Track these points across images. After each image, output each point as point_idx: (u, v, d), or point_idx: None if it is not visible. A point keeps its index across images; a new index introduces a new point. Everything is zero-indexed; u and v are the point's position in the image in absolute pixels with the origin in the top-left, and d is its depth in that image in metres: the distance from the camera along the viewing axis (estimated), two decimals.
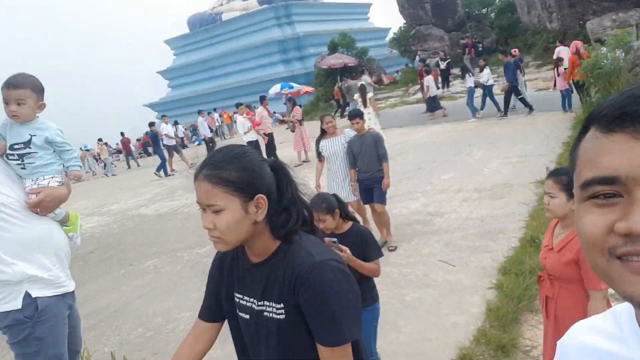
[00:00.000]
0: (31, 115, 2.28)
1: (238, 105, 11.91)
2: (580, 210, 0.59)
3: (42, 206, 2.25)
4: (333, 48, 27.52)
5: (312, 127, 15.67)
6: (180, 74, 48.09)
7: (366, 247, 2.77)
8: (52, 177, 2.34)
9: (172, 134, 16.01)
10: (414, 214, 6.53)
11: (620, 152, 0.54)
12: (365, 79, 17.25)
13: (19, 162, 2.27)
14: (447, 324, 3.66)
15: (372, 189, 5.34)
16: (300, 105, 16.41)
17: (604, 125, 0.56)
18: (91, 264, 6.86)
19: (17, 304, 2.15)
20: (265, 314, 1.34)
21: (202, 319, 1.55)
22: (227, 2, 47.71)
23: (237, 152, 1.31)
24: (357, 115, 5.32)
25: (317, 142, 5.67)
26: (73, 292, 2.43)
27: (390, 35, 38.12)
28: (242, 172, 1.26)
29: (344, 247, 2.54)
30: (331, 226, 2.77)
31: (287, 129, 13.17)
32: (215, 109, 28.35)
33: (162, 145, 15.34)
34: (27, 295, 2.16)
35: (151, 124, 16.23)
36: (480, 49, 24.39)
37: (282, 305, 1.30)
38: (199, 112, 18.04)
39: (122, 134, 23.80)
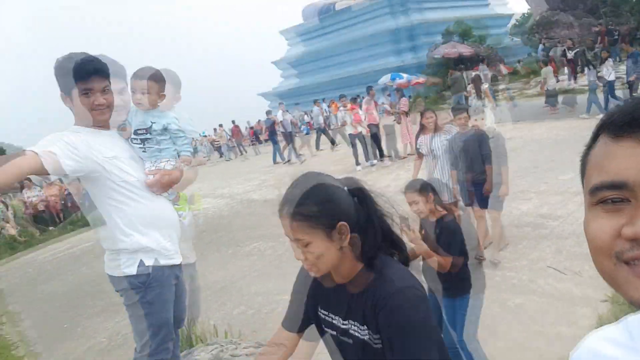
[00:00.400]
0: (153, 104, 2.51)
1: (341, 97, 11.99)
2: (588, 215, 0.60)
3: (158, 186, 2.46)
4: (448, 37, 26.51)
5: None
6: (292, 65, 49.50)
7: (447, 240, 2.71)
8: (167, 161, 2.53)
9: (289, 122, 16.48)
10: (524, 215, 6.13)
11: (628, 157, 0.55)
12: (483, 69, 16.42)
13: (141, 145, 2.50)
14: (551, 334, 3.41)
15: (479, 192, 4.92)
16: (409, 97, 16.11)
17: (612, 132, 0.57)
18: (203, 243, 7.40)
19: (132, 270, 2.36)
20: (351, 332, 1.40)
21: (284, 327, 1.62)
22: None
23: (313, 185, 1.34)
24: (461, 109, 5.02)
25: (417, 137, 5.47)
26: (180, 265, 2.60)
27: (512, 22, 35.79)
28: (320, 205, 1.30)
29: (413, 228, 2.48)
30: (424, 210, 2.73)
31: (394, 120, 13.03)
32: (323, 99, 28.81)
33: (278, 132, 15.72)
34: (141, 263, 2.37)
35: (268, 112, 16.67)
36: (615, 37, 21.95)
37: (365, 327, 1.36)
38: (315, 102, 18.37)
39: (233, 122, 24.98)
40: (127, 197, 2.36)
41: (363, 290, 1.35)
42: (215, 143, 23.90)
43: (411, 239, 2.43)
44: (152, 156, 2.51)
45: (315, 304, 1.53)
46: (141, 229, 2.38)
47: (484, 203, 4.96)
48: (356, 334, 1.38)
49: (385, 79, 24.23)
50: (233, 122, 24.75)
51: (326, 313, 1.49)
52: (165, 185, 2.49)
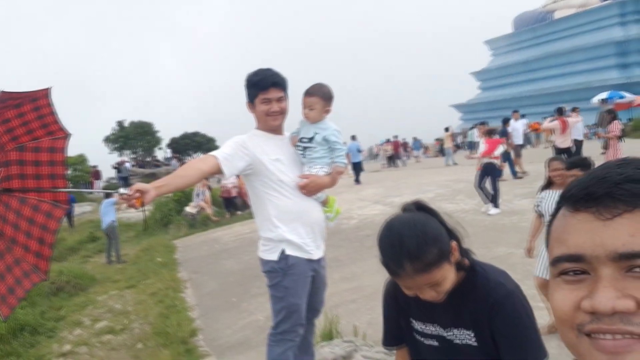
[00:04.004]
0: (318, 117, 2.79)
1: (559, 109, 11.01)
2: (552, 285, 0.61)
3: (307, 189, 2.75)
4: None
5: (636, 146, 13.08)
6: (494, 76, 47.07)
7: None
8: (320, 168, 2.81)
9: (522, 132, 14.66)
10: None
11: (585, 231, 0.56)
12: None
13: (302, 152, 2.82)
14: None
15: None
16: (630, 119, 13.87)
17: (571, 205, 0.59)
18: (365, 246, 7.48)
19: (275, 256, 2.72)
20: (457, 341, 1.43)
21: (386, 346, 1.67)
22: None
23: (419, 231, 1.34)
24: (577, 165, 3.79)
25: (541, 190, 4.21)
26: (319, 259, 2.85)
27: None
28: (436, 244, 1.33)
29: None
30: None
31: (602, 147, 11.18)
32: (523, 115, 26.64)
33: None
34: (283, 251, 2.70)
35: (505, 121, 13.79)
36: None
37: (472, 332, 1.40)
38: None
39: (395, 137, 27.39)
40: (280, 194, 2.71)
41: (470, 296, 1.41)
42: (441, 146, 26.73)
43: None
44: (309, 162, 2.80)
45: (408, 315, 1.56)
46: (287, 223, 2.71)
47: None
48: (463, 341, 1.42)
49: (601, 96, 21.33)
50: (395, 136, 28.11)
51: (423, 324, 1.52)
52: (313, 189, 2.77)
